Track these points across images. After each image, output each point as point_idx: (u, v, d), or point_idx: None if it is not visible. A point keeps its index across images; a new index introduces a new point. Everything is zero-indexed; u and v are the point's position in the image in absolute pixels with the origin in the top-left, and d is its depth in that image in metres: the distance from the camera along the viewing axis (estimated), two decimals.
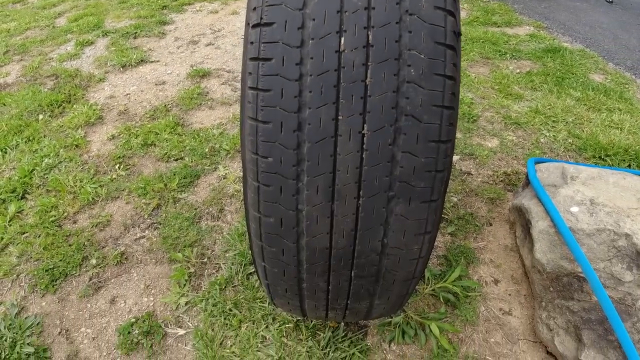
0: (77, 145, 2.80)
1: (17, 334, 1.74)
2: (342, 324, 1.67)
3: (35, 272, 1.99)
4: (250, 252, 1.36)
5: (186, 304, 1.81)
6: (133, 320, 1.77)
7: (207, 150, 2.62)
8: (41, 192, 2.46)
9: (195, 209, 2.24)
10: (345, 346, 1.60)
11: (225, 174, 2.45)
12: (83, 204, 2.35)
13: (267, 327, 1.68)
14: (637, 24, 4.13)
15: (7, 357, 1.65)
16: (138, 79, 3.65)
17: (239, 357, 1.59)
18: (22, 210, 2.36)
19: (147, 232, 2.17)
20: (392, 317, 1.66)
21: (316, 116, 0.80)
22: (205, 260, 1.98)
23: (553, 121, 2.75)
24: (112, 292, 1.91)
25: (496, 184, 2.30)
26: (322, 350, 1.58)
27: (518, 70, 3.35)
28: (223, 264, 1.95)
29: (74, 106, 3.28)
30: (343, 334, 1.63)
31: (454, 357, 1.58)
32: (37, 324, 1.79)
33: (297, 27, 0.80)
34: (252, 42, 0.83)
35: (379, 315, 1.20)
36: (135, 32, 4.44)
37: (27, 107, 3.23)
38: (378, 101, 0.79)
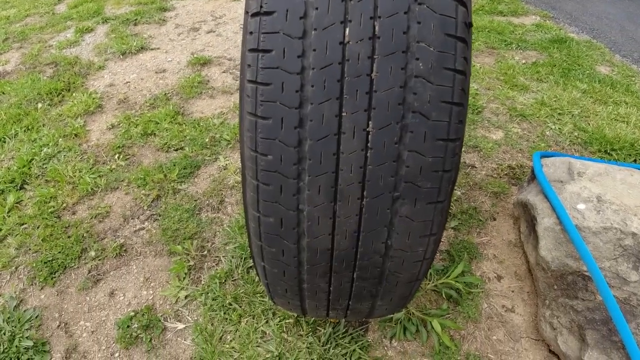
0: (76, 135, 2.77)
1: (15, 327, 1.73)
2: (343, 319, 1.65)
3: (34, 265, 1.98)
4: (249, 250, 1.34)
5: (186, 297, 1.80)
6: (132, 313, 1.76)
7: (207, 140, 2.59)
8: (40, 183, 2.43)
9: (195, 200, 2.22)
10: (346, 342, 1.58)
11: (226, 164, 2.42)
12: (82, 194, 2.33)
13: (267, 322, 1.66)
14: None
15: (6, 350, 1.64)
16: (138, 66, 3.60)
17: (238, 352, 1.58)
18: (21, 200, 2.33)
19: (146, 223, 2.15)
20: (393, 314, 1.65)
21: (318, 112, 0.76)
22: (205, 252, 1.96)
23: (559, 113, 2.71)
24: (111, 284, 1.90)
25: (500, 177, 2.27)
26: (322, 346, 1.57)
27: (524, 61, 3.30)
28: (223, 257, 1.93)
29: (74, 94, 3.24)
30: (344, 330, 1.62)
31: (456, 355, 1.56)
32: (36, 317, 1.78)
33: (299, 16, 0.76)
34: (251, 32, 0.79)
35: (381, 314, 1.18)
36: (136, 19, 4.37)
37: (26, 95, 3.19)
38: (384, 97, 0.76)
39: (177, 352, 1.63)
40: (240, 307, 1.72)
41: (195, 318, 1.72)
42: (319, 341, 1.59)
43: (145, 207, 2.22)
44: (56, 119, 2.96)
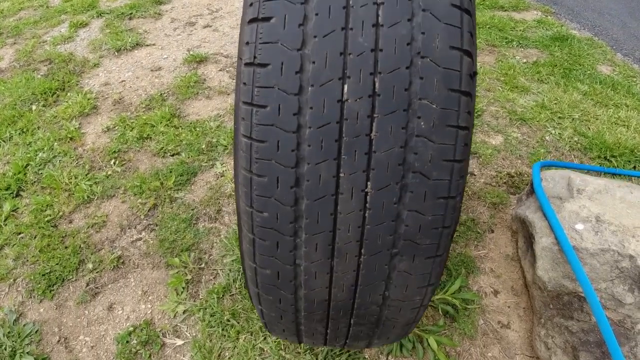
0: (71, 138, 2.74)
1: (16, 342, 1.74)
2: None
3: (32, 277, 1.98)
4: (247, 292, 1.29)
5: (184, 312, 1.80)
6: (131, 328, 1.76)
7: (204, 145, 2.56)
8: (36, 189, 2.42)
9: (192, 209, 2.21)
10: (343, 359, 1.59)
11: (223, 171, 2.40)
12: (78, 202, 2.32)
13: (265, 339, 1.67)
14: None
15: None
16: (133, 64, 3.55)
17: None
18: (17, 208, 2.32)
19: (143, 233, 2.14)
20: None
21: (315, 172, 0.74)
22: (203, 265, 1.96)
23: (559, 117, 2.68)
24: (109, 298, 1.90)
25: (499, 185, 2.26)
26: None
27: (525, 60, 3.25)
28: (220, 270, 1.93)
29: (68, 94, 3.20)
30: (340, 348, 1.63)
31: None
32: (36, 332, 1.79)
33: (294, 70, 0.73)
34: (244, 84, 0.77)
35: (378, 346, 1.19)
36: (131, 13, 4.29)
37: (20, 95, 3.15)
38: (384, 157, 0.74)
39: None
40: (238, 323, 1.72)
41: (194, 334, 1.73)
42: (317, 359, 1.60)
43: (142, 217, 2.21)
44: (51, 120, 2.92)
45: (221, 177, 2.37)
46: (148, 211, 2.22)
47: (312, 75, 0.73)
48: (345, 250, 0.79)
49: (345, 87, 0.73)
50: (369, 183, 0.75)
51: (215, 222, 2.15)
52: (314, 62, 0.73)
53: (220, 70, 3.37)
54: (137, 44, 3.79)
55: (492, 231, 2.03)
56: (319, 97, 0.72)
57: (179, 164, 2.43)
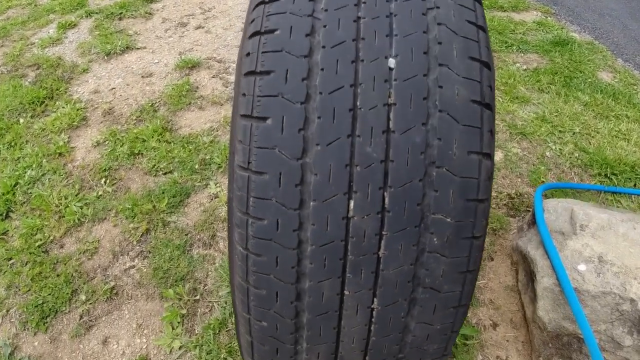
0: (60, 154, 2.67)
1: None
2: None
3: (25, 307, 1.93)
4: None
5: (180, 348, 1.77)
6: None
7: (197, 163, 2.50)
8: (25, 211, 2.36)
9: (185, 234, 2.16)
10: None
11: (217, 192, 2.35)
12: (69, 225, 2.26)
13: None
14: None
15: None
16: (123, 69, 3.46)
17: None
18: (7, 231, 2.27)
19: (136, 261, 2.10)
20: None
21: (318, 290, 0.69)
22: (198, 297, 1.93)
23: (560, 131, 2.64)
24: (104, 331, 1.86)
25: (499, 208, 2.23)
26: None
27: (525, 67, 3.19)
28: (216, 302, 1.90)
29: (57, 103, 3.12)
30: None
31: None
32: None
33: (294, 182, 0.67)
34: (239, 189, 0.71)
35: None
36: (121, 13, 4.16)
37: (8, 105, 3.06)
38: (392, 275, 0.69)
39: None
40: None
41: None
42: None
43: (135, 242, 2.16)
44: (39, 134, 2.84)
45: (215, 198, 2.32)
46: (140, 236, 2.17)
47: (314, 188, 0.67)
48: (348, 358, 0.75)
49: (352, 203, 0.67)
50: (375, 299, 0.70)
51: (209, 248, 2.11)
52: (316, 175, 0.67)
53: (213, 77, 3.29)
54: (127, 47, 3.68)
55: (492, 259, 2.00)
56: (322, 214, 0.67)
57: (171, 184, 2.38)
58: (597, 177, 2.41)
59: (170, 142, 2.65)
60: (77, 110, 3.00)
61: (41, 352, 1.81)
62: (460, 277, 0.70)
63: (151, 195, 2.33)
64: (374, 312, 0.71)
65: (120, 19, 4.14)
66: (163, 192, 2.33)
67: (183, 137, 2.69)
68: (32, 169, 2.56)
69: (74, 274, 2.05)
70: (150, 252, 2.10)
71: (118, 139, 2.72)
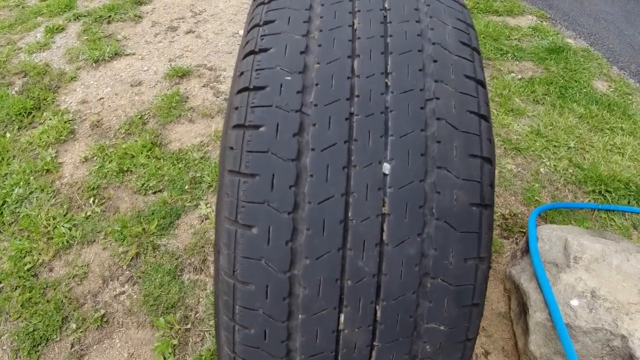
0: (48, 170, 2.62)
1: None
2: None
3: (17, 335, 1.91)
4: None
5: None
6: None
7: (187, 182, 2.46)
8: (14, 231, 2.32)
9: (176, 258, 2.13)
10: None
11: (207, 213, 2.31)
12: (58, 248, 2.22)
13: None
14: None
15: None
16: (112, 77, 3.39)
17: None
18: None
19: (126, 286, 2.07)
20: None
21: None
22: (189, 325, 1.90)
23: (554, 146, 2.61)
24: None
25: (493, 229, 2.21)
26: None
27: (520, 76, 3.15)
28: (207, 332, 1.87)
29: (44, 114, 3.06)
30: None
31: None
32: None
33: (282, 295, 0.65)
34: (225, 294, 0.68)
35: None
36: (109, 16, 4.07)
37: None
38: None
39: None
40: None
41: None
42: None
43: (125, 267, 2.13)
44: (26, 148, 2.79)
45: (205, 220, 2.28)
46: (130, 260, 2.14)
47: (303, 302, 0.64)
48: None
49: (342, 316, 0.64)
50: None
51: (200, 273, 2.08)
52: (304, 288, 0.64)
53: (203, 86, 3.23)
54: (116, 54, 3.60)
55: None
56: (311, 327, 0.64)
57: (161, 205, 2.34)
58: (591, 194, 2.40)
59: (159, 159, 2.61)
60: (65, 122, 2.94)
61: None
62: (460, 346, 0.68)
63: (140, 217, 2.29)
64: None
65: (109, 22, 4.05)
66: (153, 213, 2.30)
67: (173, 153, 2.64)
68: (20, 187, 2.52)
69: (64, 300, 2.02)
70: (140, 278, 2.08)
71: (106, 154, 2.67)
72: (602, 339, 1.48)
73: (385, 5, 0.81)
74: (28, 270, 2.15)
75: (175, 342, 1.84)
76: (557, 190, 2.40)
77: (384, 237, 0.64)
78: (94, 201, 2.41)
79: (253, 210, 0.64)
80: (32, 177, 2.58)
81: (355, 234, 0.64)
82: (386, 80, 0.71)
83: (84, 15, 4.14)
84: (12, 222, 2.36)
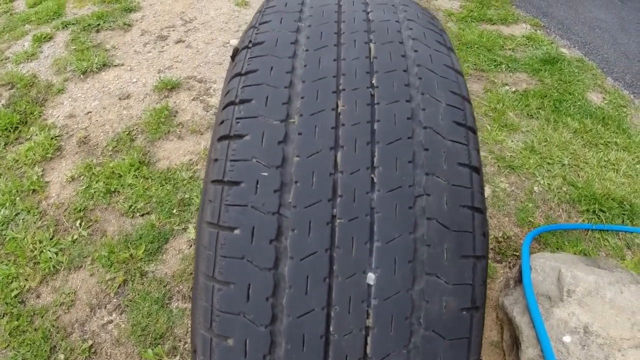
0: (34, 190, 2.57)
1: None
2: None
3: None
4: None
5: None
6: None
7: (175, 204, 2.41)
8: (0, 255, 2.27)
9: (164, 286, 2.09)
10: None
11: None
12: (44, 273, 2.18)
13: None
14: (636, 22, 3.84)
15: None
16: (100, 90, 3.33)
17: None
18: None
19: (114, 315, 2.03)
20: None
21: None
22: (178, 357, 1.87)
23: (548, 163, 2.59)
24: None
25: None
26: None
27: (514, 89, 3.12)
28: None
29: (31, 129, 3.00)
30: None
31: None
32: None
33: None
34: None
35: None
36: (98, 24, 3.99)
37: None
38: None
39: None
40: None
41: None
42: None
43: (112, 294, 2.09)
44: (12, 166, 2.73)
45: (194, 244, 2.24)
46: (118, 288, 2.10)
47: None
48: None
49: None
50: None
51: (188, 301, 2.04)
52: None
53: (193, 100, 3.18)
54: (104, 65, 3.54)
55: None
56: None
57: (149, 228, 2.30)
58: (585, 213, 2.37)
59: (147, 178, 2.56)
60: (52, 138, 2.88)
61: None
62: None
63: (128, 241, 2.25)
64: None
65: (97, 31, 3.98)
66: (140, 237, 2.26)
67: (161, 172, 2.59)
68: (6, 208, 2.47)
69: (51, 329, 1.98)
70: (128, 306, 2.04)
71: (94, 173, 2.62)
72: None
73: (373, 82, 0.77)
74: (15, 296, 2.11)
75: None
76: (551, 210, 2.37)
77: (368, 351, 0.60)
78: (80, 224, 2.37)
79: (228, 320, 0.60)
80: (18, 198, 2.53)
81: (336, 349, 0.60)
82: (372, 175, 0.67)
83: (73, 24, 4.07)
84: None
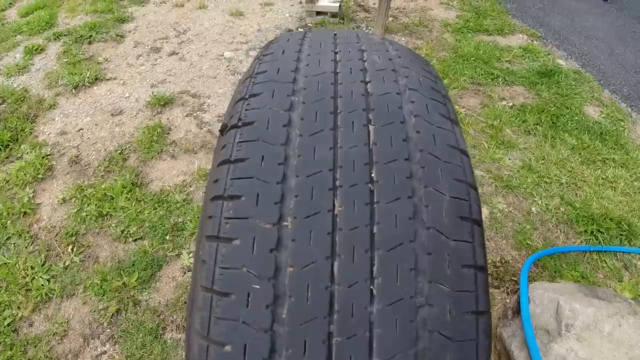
0: (25, 213, 2.53)
1: None
2: None
3: None
4: None
5: None
6: None
7: (168, 229, 2.38)
8: None
9: (158, 315, 2.06)
10: None
11: (189, 264, 2.24)
12: (37, 301, 2.14)
13: None
14: (632, 30, 3.82)
15: None
16: (92, 105, 3.28)
17: None
18: None
19: (107, 346, 2.00)
20: None
21: None
22: None
23: (546, 182, 2.56)
24: None
25: None
26: None
27: (511, 104, 3.09)
28: None
29: (22, 147, 2.95)
30: None
31: None
32: None
33: None
34: None
35: None
36: (90, 36, 3.94)
37: None
38: None
39: None
40: None
41: None
42: None
43: (105, 324, 2.05)
44: (3, 187, 2.69)
45: (188, 271, 2.21)
46: (111, 317, 2.07)
47: None
48: None
49: None
50: None
51: (182, 331, 2.01)
52: None
53: (186, 116, 3.14)
54: (96, 79, 3.50)
55: None
56: None
57: (142, 255, 2.26)
58: (583, 234, 2.35)
59: (140, 201, 2.52)
60: (43, 157, 2.84)
61: None
62: None
63: (121, 268, 2.21)
64: None
65: (89, 42, 3.93)
66: (133, 264, 2.22)
67: (154, 195, 2.56)
68: None
69: None
70: (121, 337, 2.00)
71: (85, 195, 2.58)
72: None
73: (373, 176, 0.72)
74: (8, 325, 2.07)
75: None
76: (549, 232, 2.35)
77: None
78: (72, 249, 2.33)
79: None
80: (9, 221, 2.48)
81: None
82: (371, 287, 0.63)
83: (65, 35, 4.02)
84: None
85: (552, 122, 2.92)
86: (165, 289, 2.16)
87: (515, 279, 2.14)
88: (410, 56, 0.95)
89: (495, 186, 2.54)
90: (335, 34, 1.00)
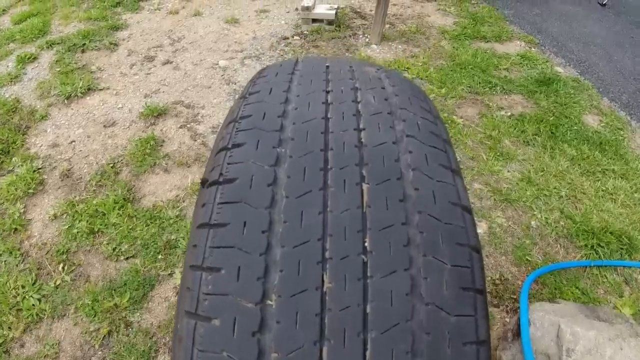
0: (15, 229, 2.48)
1: None
2: None
3: None
4: None
5: None
6: None
7: (161, 248, 2.33)
8: None
9: (150, 337, 2.02)
10: None
11: None
12: (27, 322, 2.10)
13: None
14: (630, 35, 3.78)
15: None
16: (84, 116, 3.24)
17: None
18: None
19: None
20: None
21: None
22: None
23: (545, 195, 2.52)
24: None
25: None
26: None
27: (510, 113, 3.05)
28: None
29: (13, 159, 2.91)
30: None
31: None
32: None
33: None
34: None
35: None
36: (84, 44, 3.90)
37: None
38: None
39: None
40: None
41: None
42: None
43: (97, 346, 2.01)
44: None
45: None
46: (102, 339, 2.02)
47: None
48: None
49: None
50: None
51: None
52: None
53: (180, 127, 3.09)
54: (89, 89, 3.45)
55: None
56: None
57: (134, 274, 2.21)
58: (583, 248, 2.32)
59: (132, 217, 2.47)
60: (34, 171, 2.79)
61: None
62: None
63: (112, 288, 2.17)
64: None
65: (83, 51, 3.88)
66: (125, 284, 2.18)
67: (146, 211, 2.51)
68: None
69: None
70: None
71: (76, 211, 2.53)
72: None
73: (366, 246, 0.66)
74: (0, 345, 2.03)
75: None
76: (549, 247, 2.31)
77: None
78: (63, 268, 2.28)
79: None
80: (0, 238, 2.44)
81: None
82: None
83: (58, 43, 3.97)
84: None
85: (551, 132, 2.88)
86: (158, 310, 2.11)
87: (515, 297, 2.10)
88: (408, 92, 0.90)
89: (494, 200, 2.50)
90: (327, 67, 0.95)
